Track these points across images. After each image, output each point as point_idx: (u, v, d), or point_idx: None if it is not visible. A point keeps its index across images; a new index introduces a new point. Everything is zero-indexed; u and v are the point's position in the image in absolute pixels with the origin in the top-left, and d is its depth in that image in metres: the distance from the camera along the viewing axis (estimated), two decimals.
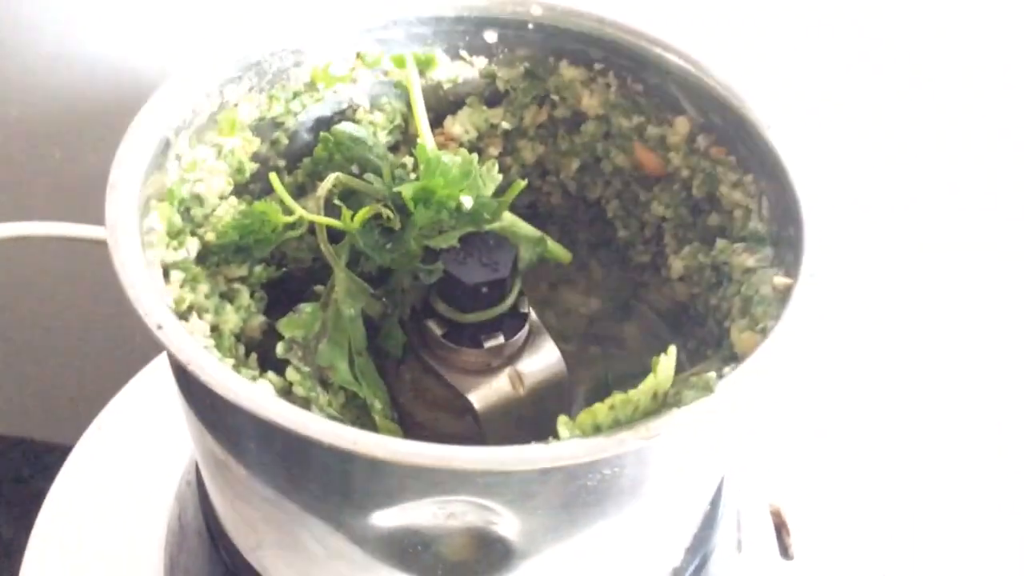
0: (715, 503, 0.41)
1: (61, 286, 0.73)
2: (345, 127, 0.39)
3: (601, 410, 0.28)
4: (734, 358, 0.34)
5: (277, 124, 0.39)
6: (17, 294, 0.74)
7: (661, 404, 0.29)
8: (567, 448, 0.28)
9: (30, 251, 0.64)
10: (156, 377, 0.52)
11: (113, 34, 0.61)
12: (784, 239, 0.35)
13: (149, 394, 0.52)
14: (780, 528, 0.49)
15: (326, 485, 0.30)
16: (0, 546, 0.81)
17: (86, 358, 0.77)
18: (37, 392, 0.81)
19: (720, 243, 0.38)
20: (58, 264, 0.70)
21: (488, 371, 0.37)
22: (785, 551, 0.48)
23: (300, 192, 0.39)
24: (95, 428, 0.51)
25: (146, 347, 0.53)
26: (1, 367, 0.80)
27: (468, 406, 0.36)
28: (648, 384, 0.29)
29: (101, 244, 0.52)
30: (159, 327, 0.29)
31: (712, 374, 0.29)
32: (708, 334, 0.38)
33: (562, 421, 0.29)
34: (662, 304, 0.42)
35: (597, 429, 0.28)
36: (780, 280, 0.33)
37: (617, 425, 0.28)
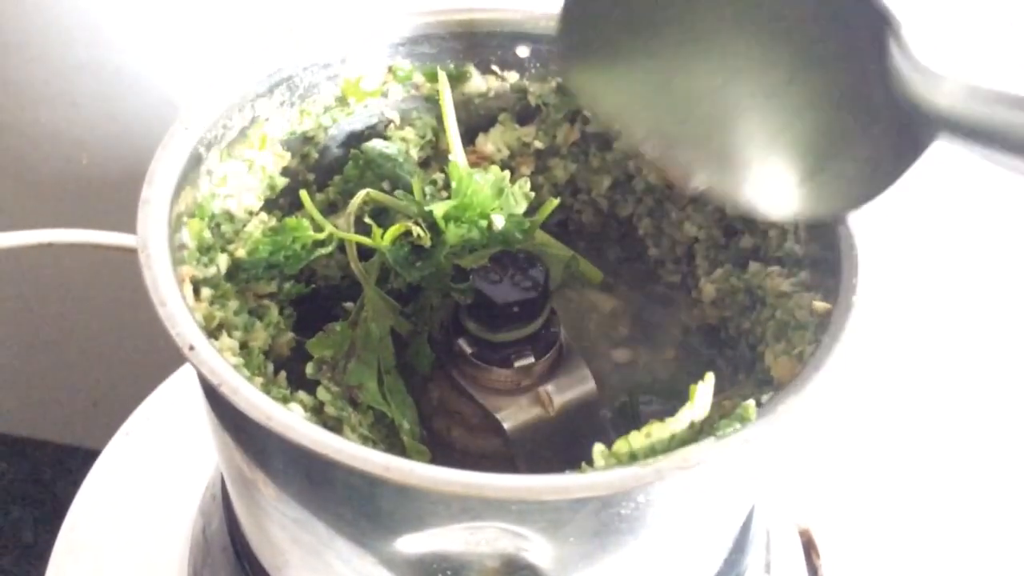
0: (746, 527, 0.40)
1: (87, 292, 0.73)
2: (376, 144, 0.38)
3: (637, 438, 0.28)
4: (769, 382, 0.33)
5: (308, 139, 0.39)
6: (43, 299, 0.75)
7: (698, 432, 0.29)
8: (603, 477, 0.27)
9: (56, 258, 0.65)
10: (183, 385, 0.52)
11: (141, 43, 0.61)
12: (822, 261, 0.34)
13: (176, 401, 0.52)
14: (809, 549, 0.48)
15: (355, 508, 0.30)
16: (22, 548, 0.81)
17: (110, 363, 0.77)
18: (61, 396, 0.82)
19: (753, 266, 0.37)
20: (84, 270, 0.71)
21: (518, 391, 0.36)
22: (814, 573, 0.47)
23: (331, 210, 0.39)
24: (122, 435, 0.51)
25: (172, 354, 0.53)
26: (26, 371, 0.80)
27: (497, 426, 0.36)
28: (685, 412, 0.28)
29: (128, 251, 0.52)
30: (190, 348, 0.28)
31: (750, 402, 0.28)
32: (740, 357, 0.37)
33: (598, 449, 0.28)
34: (691, 325, 0.41)
35: (633, 457, 0.28)
36: (819, 304, 0.32)
37: (653, 454, 0.28)
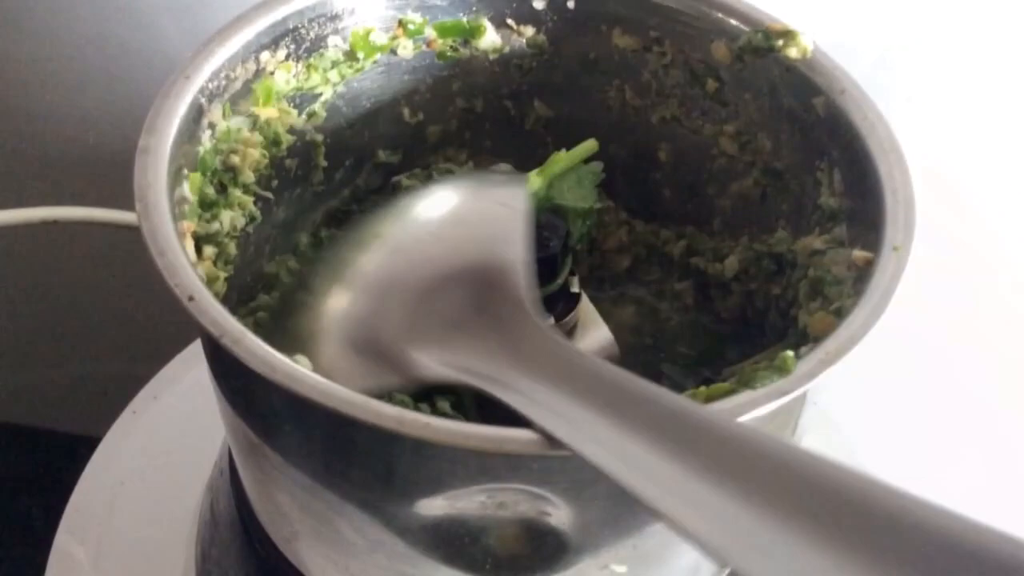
0: None
1: (92, 272, 0.72)
2: None
3: None
4: (803, 343, 0.31)
5: (315, 96, 0.38)
6: (47, 280, 0.74)
7: (732, 389, 0.27)
8: None
9: (61, 236, 0.63)
10: (188, 366, 0.51)
11: (146, 19, 0.60)
12: (859, 214, 0.32)
13: (182, 382, 0.50)
14: None
15: (367, 471, 0.28)
16: (29, 537, 0.80)
17: (117, 347, 0.76)
18: (70, 384, 0.81)
19: (780, 233, 0.35)
20: (88, 250, 0.69)
21: None
22: None
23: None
24: (128, 414, 0.50)
25: (178, 337, 0.52)
26: (31, 356, 0.79)
27: None
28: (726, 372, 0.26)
29: (133, 230, 0.50)
30: (190, 299, 0.27)
31: (789, 353, 0.27)
32: (771, 327, 0.36)
33: None
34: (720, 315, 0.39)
35: None
36: (859, 254, 0.30)
37: None
